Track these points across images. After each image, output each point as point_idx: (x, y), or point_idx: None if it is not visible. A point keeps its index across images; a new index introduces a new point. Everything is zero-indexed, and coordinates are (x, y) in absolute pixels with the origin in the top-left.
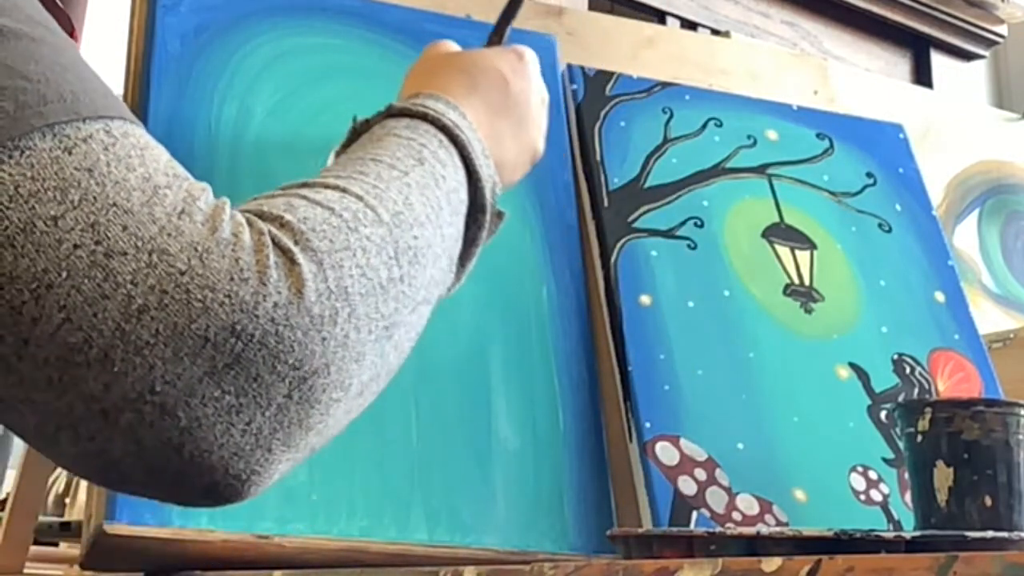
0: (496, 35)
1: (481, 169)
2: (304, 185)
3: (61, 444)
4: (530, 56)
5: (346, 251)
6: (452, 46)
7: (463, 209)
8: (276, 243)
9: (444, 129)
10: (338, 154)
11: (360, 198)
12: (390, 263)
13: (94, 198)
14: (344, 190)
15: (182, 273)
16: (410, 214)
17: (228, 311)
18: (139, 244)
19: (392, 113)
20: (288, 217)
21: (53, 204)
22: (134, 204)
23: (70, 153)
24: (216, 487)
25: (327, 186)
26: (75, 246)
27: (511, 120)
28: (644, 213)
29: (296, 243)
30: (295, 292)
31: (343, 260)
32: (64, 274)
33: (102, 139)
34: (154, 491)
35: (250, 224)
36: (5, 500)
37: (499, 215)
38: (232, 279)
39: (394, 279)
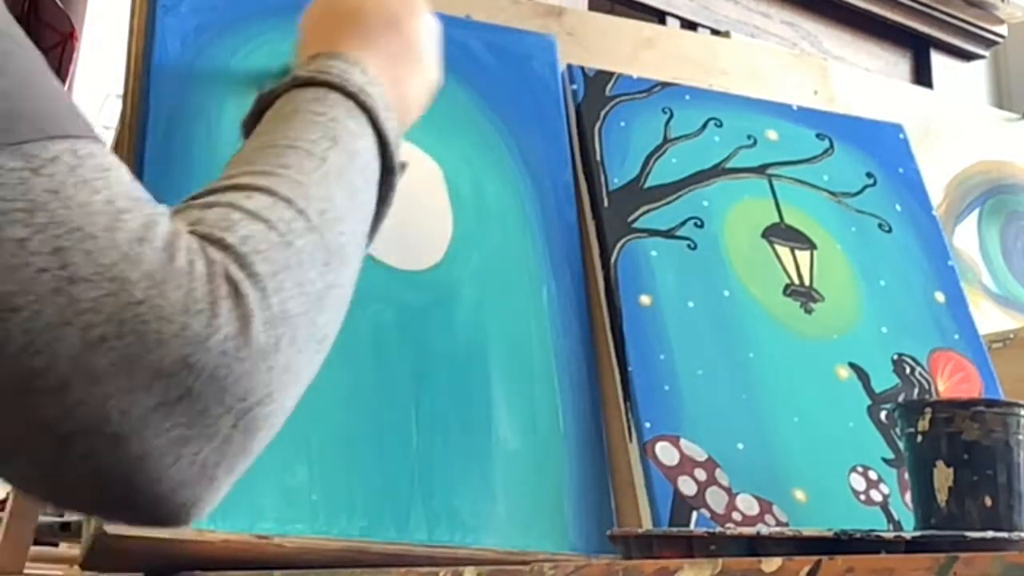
0: None
1: (389, 132)
2: (233, 188)
3: (14, 466)
4: None
5: (286, 271)
6: None
7: (375, 177)
8: (226, 272)
9: (351, 96)
10: (245, 125)
11: (289, 202)
12: (324, 271)
13: (60, 221)
14: (273, 193)
15: (140, 303)
16: (334, 209)
17: (182, 344)
18: (101, 271)
19: (297, 83)
20: (230, 239)
21: (20, 226)
22: (97, 228)
23: (37, 174)
24: (162, 514)
25: (256, 188)
26: (41, 270)
27: (408, 62)
28: (644, 213)
29: (242, 268)
30: (243, 323)
31: (284, 281)
32: (30, 297)
33: (68, 160)
34: (102, 513)
35: (203, 251)
36: (5, 500)
37: (403, 167)
38: (186, 311)
39: (329, 285)
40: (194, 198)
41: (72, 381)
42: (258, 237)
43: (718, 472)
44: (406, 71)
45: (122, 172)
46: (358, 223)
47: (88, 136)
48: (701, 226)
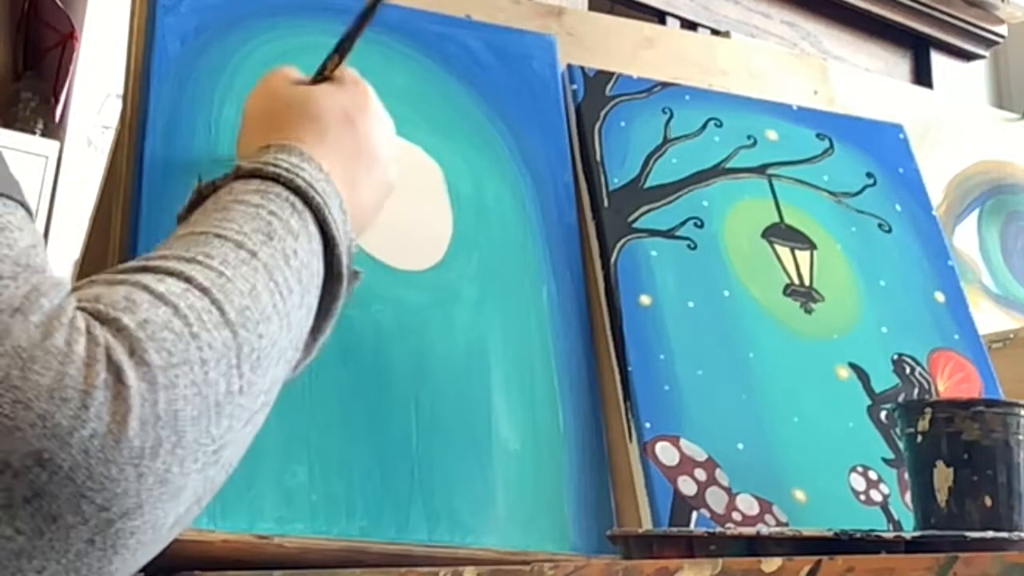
0: (331, 66)
1: (338, 233)
2: (146, 269)
3: None
4: (369, 87)
5: (184, 365)
6: (291, 74)
7: (317, 282)
8: (110, 356)
9: (298, 191)
10: (180, 217)
11: (205, 292)
12: (230, 374)
13: None
14: (189, 280)
15: None
16: (257, 309)
17: (38, 435)
18: None
19: (241, 174)
20: (126, 320)
21: None
22: None
23: None
24: None
25: (171, 273)
26: None
27: (364, 162)
28: (644, 213)
29: (131, 354)
30: (118, 420)
31: (179, 377)
32: None
33: None
34: None
35: (88, 331)
36: None
37: (355, 275)
38: (51, 397)
39: (232, 392)
40: (103, 275)
41: None
42: (160, 322)
43: (718, 472)
44: (362, 173)
45: (19, 235)
46: (286, 329)
47: None
48: (701, 226)
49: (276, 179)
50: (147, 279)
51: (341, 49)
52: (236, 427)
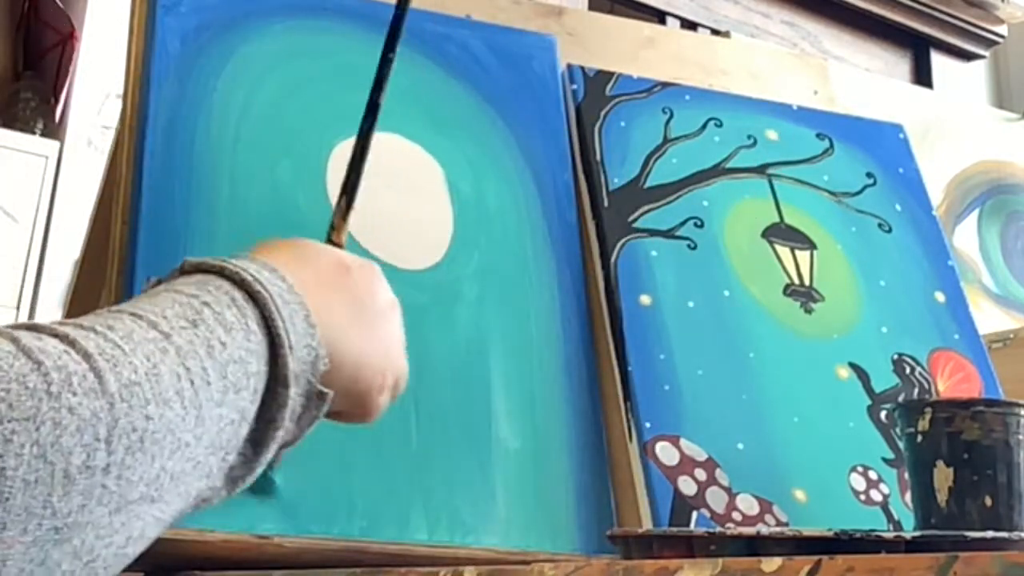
0: (339, 215)
1: (288, 335)
2: (32, 327)
3: None
4: (377, 267)
5: (27, 422)
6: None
7: (254, 386)
8: None
9: (242, 284)
10: None
11: (88, 357)
12: (93, 447)
13: None
14: (72, 343)
15: None
16: (151, 388)
17: None
18: None
19: (186, 269)
20: None
21: None
22: None
23: None
24: None
25: (55, 334)
26: None
27: (349, 301)
28: (644, 213)
29: None
30: None
31: (15, 434)
32: None
33: None
34: None
35: None
36: None
37: (320, 395)
38: None
39: (92, 468)
40: None
41: None
42: (12, 374)
43: (718, 472)
44: (346, 310)
45: None
46: (192, 421)
47: None
48: (701, 226)
49: (220, 273)
50: (24, 334)
51: (346, 192)
52: (96, 510)
